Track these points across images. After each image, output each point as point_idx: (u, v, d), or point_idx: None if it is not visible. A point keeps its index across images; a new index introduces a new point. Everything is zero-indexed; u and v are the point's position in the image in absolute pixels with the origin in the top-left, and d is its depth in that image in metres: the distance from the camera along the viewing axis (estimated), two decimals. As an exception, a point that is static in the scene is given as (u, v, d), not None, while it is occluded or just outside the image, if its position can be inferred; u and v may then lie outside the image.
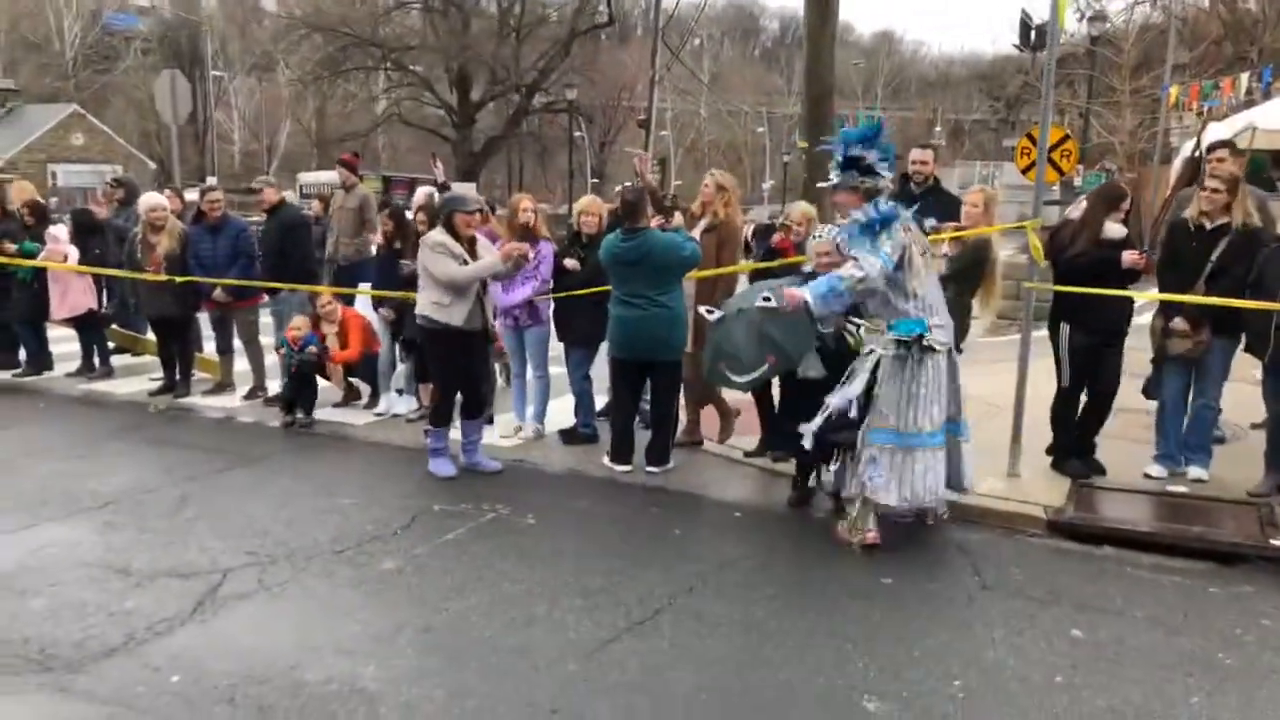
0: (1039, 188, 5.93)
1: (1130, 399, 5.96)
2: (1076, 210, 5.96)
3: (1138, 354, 5.90)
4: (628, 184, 6.19)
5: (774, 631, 3.90)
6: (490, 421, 6.83)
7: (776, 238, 6.19)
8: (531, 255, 6.53)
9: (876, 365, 4.72)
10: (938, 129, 55.72)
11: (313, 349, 7.14)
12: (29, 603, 4.08)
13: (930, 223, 5.80)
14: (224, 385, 8.09)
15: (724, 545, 4.95)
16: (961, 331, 5.78)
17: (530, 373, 6.83)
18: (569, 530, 5.13)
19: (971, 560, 4.70)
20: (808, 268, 5.19)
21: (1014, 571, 4.57)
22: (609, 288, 6.01)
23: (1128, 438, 6.22)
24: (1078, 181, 20.85)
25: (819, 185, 5.82)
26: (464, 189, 14.06)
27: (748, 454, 6.28)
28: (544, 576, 4.43)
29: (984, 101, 49.86)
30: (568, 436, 6.69)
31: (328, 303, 7.40)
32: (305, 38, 35.96)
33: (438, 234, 5.77)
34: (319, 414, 7.35)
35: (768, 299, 4.76)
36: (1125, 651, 3.77)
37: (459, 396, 6.01)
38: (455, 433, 6.12)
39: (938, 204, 6.02)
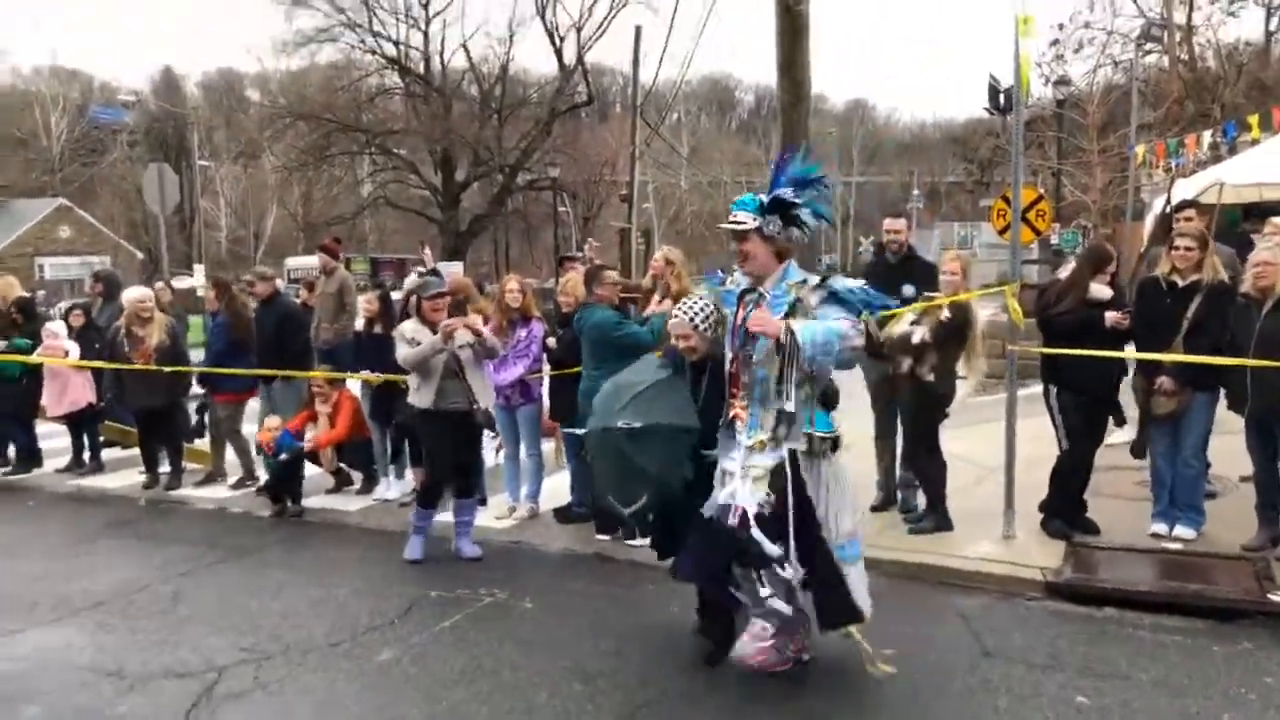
0: (1014, 248, 6.06)
1: (1123, 456, 6.01)
2: (1065, 270, 6.08)
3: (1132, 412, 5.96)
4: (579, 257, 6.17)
5: (785, 710, 3.86)
6: (484, 503, 6.81)
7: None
8: (523, 335, 6.63)
9: (792, 464, 3.90)
10: (915, 192, 56.83)
11: (284, 455, 7.13)
12: (21, 711, 4.01)
13: (909, 290, 5.94)
14: (215, 475, 8.05)
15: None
16: (948, 394, 5.86)
17: (524, 452, 6.84)
18: (567, 612, 5.07)
19: (971, 626, 4.68)
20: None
21: (1015, 637, 4.55)
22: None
23: (1122, 496, 6.25)
24: (1054, 240, 21.25)
25: (719, 226, 5.41)
26: (452, 269, 14.23)
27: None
28: (543, 662, 4.38)
29: (958, 164, 51.04)
30: (562, 515, 6.67)
31: (321, 385, 7.42)
32: (290, 125, 36.58)
33: (409, 323, 6.00)
34: (311, 502, 7.32)
35: (628, 424, 4.00)
36: (1131, 716, 3.75)
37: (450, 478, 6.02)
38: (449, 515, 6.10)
39: (915, 272, 6.15)
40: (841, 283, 4.01)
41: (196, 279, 21.02)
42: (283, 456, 7.10)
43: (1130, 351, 5.66)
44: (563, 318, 6.67)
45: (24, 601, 5.34)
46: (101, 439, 8.97)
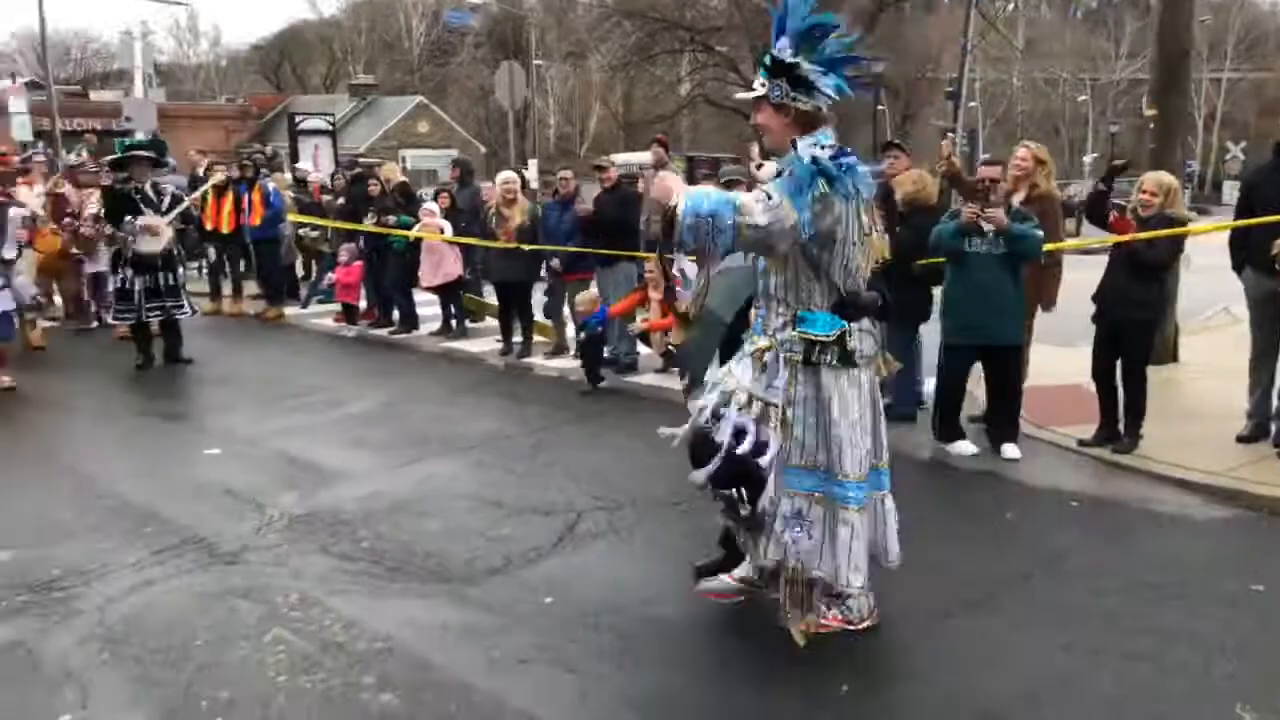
0: None
1: None
2: None
3: None
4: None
5: (1127, 626, 3.73)
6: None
7: (1113, 216, 5.74)
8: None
9: (786, 368, 3.39)
10: (1304, 90, 48.29)
11: (583, 334, 7.65)
12: (426, 524, 4.78)
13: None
14: (560, 348, 8.86)
15: (1060, 534, 4.75)
16: None
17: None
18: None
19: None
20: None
21: None
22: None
23: None
24: None
25: (737, 96, 4.35)
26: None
27: (1083, 443, 5.95)
28: (873, 545, 4.50)
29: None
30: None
31: (651, 270, 7.86)
32: (616, 25, 37.72)
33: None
34: (643, 379, 7.88)
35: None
36: None
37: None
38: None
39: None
40: (812, 154, 3.18)
41: (530, 172, 22.67)
42: (581, 335, 7.69)
43: None
44: (901, 214, 6.50)
45: (419, 437, 6.29)
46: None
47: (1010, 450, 5.77)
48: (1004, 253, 5.56)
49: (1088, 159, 50.87)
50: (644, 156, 11.11)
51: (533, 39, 38.59)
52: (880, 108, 35.76)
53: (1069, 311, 6.33)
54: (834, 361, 3.34)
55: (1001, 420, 5.91)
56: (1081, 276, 6.12)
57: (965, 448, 5.90)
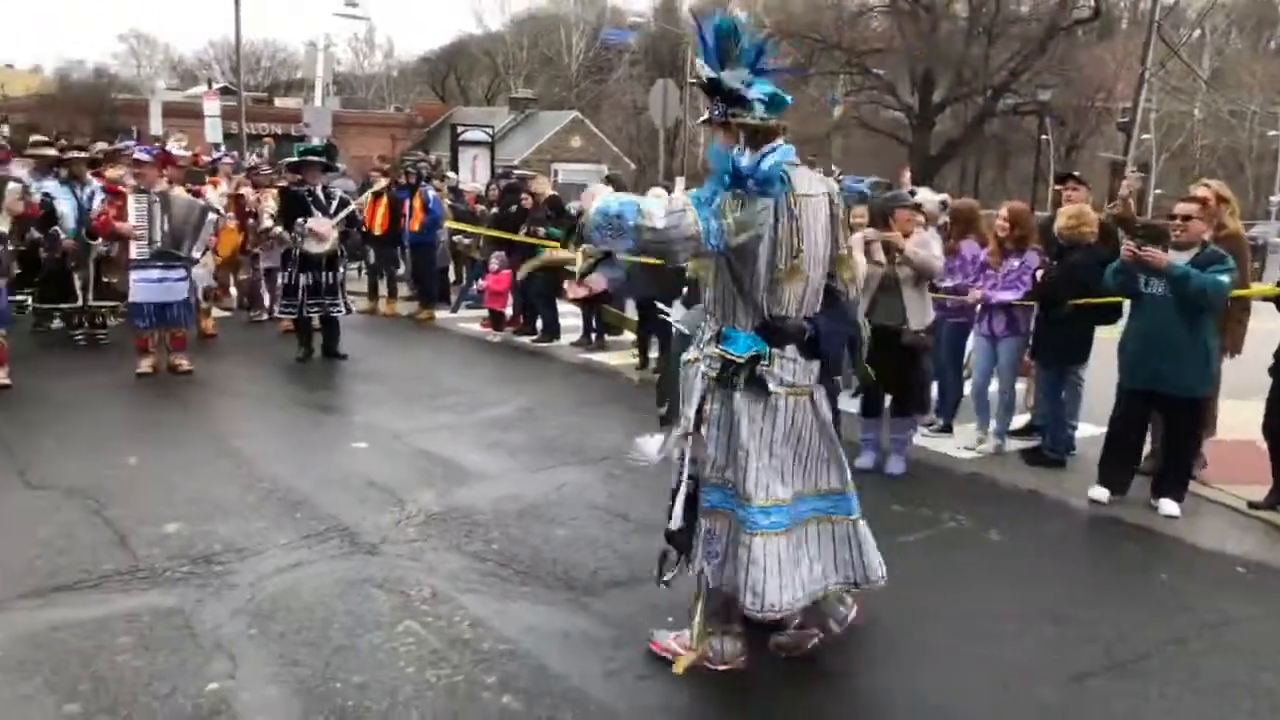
0: None
1: None
2: None
3: None
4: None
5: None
6: (949, 430, 6.75)
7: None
8: (1015, 264, 6.33)
9: (703, 382, 3.34)
10: None
11: None
12: (555, 531, 4.87)
13: None
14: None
15: (1223, 600, 4.41)
16: None
17: (995, 385, 6.60)
18: (1036, 553, 4.91)
19: None
20: None
21: None
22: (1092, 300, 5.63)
23: None
24: None
25: (697, 123, 4.05)
26: (926, 194, 13.81)
27: (1253, 505, 5.51)
28: (1010, 595, 4.30)
29: None
30: (1031, 457, 6.37)
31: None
32: (774, 45, 37.62)
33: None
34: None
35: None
36: None
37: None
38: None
39: None
40: (740, 165, 3.04)
41: (678, 190, 22.87)
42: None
43: None
44: (1059, 250, 6.23)
45: (554, 444, 6.42)
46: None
47: (1168, 507, 5.39)
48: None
49: (1276, 199, 47.26)
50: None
51: (689, 57, 38.98)
52: (1044, 137, 34.33)
53: (1254, 359, 5.88)
54: (742, 385, 3.27)
55: (1165, 473, 5.52)
56: (1272, 326, 5.65)
57: (1096, 493, 5.57)
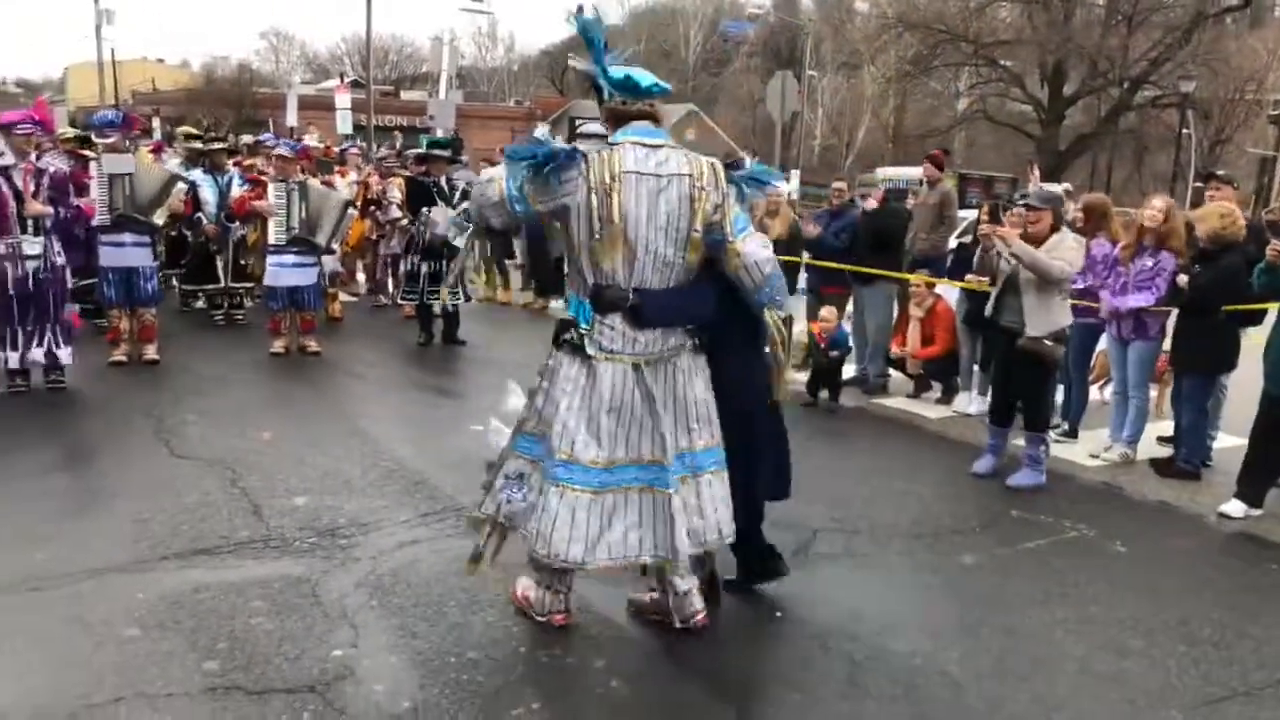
0: None
1: None
2: None
3: None
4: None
5: None
6: (1074, 436, 6.49)
7: None
8: (1149, 264, 6.04)
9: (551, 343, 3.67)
10: None
11: (835, 352, 7.50)
12: (664, 521, 4.90)
13: None
14: (805, 360, 8.76)
15: (1375, 629, 4.12)
16: None
17: (1129, 391, 6.31)
18: (1166, 567, 4.69)
19: None
20: None
21: None
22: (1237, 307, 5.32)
23: None
24: None
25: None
26: (1052, 189, 13.34)
27: None
28: (1138, 610, 4.12)
29: None
30: (1163, 468, 6.07)
31: (918, 287, 7.61)
32: (897, 36, 36.75)
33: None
34: (891, 402, 7.64)
35: None
36: None
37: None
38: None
39: None
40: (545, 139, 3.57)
41: (791, 183, 22.56)
42: (834, 353, 7.48)
43: None
44: (1202, 251, 5.90)
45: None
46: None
47: None
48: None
49: None
50: (914, 172, 10.78)
51: (807, 50, 38.43)
52: (1185, 131, 32.47)
53: None
54: (564, 346, 3.53)
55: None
56: None
57: (1231, 507, 5.27)
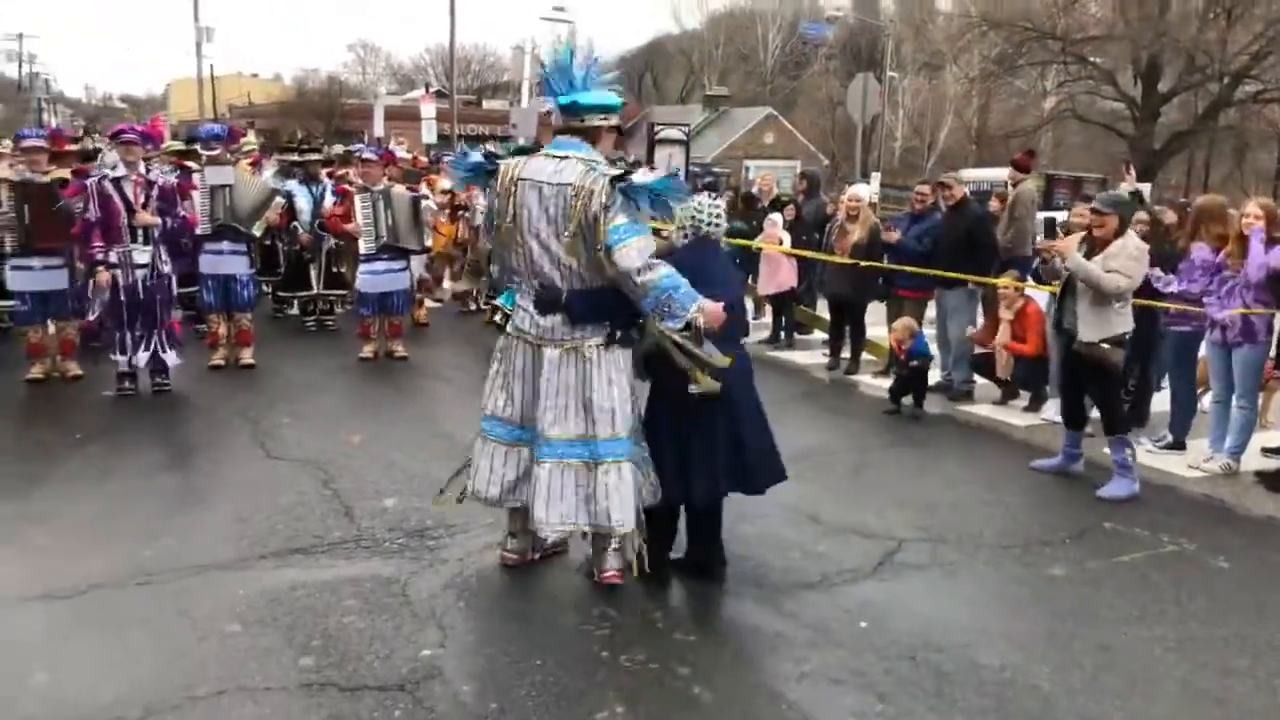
0: None
1: None
2: None
3: None
4: None
5: None
6: (1182, 447, 6.27)
7: None
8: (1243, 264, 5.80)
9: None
10: None
11: (915, 362, 7.41)
12: (744, 528, 4.88)
13: None
14: (889, 367, 8.63)
15: None
16: None
17: (1234, 400, 6.05)
18: (1273, 584, 4.49)
19: None
20: None
21: None
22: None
23: None
24: None
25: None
26: (1118, 193, 12.98)
27: None
28: (1242, 628, 3.96)
29: None
30: (1271, 480, 5.80)
31: (1007, 290, 7.44)
32: (981, 35, 35.91)
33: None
34: (978, 409, 7.47)
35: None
36: None
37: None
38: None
39: None
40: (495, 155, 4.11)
41: (872, 186, 22.24)
42: (914, 363, 7.37)
43: None
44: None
45: (744, 442, 6.43)
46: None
47: None
48: None
49: None
50: (999, 173, 10.52)
51: (888, 51, 37.84)
52: (1291, 126, 30.97)
53: None
54: (499, 325, 4.24)
55: None
56: None
57: None
